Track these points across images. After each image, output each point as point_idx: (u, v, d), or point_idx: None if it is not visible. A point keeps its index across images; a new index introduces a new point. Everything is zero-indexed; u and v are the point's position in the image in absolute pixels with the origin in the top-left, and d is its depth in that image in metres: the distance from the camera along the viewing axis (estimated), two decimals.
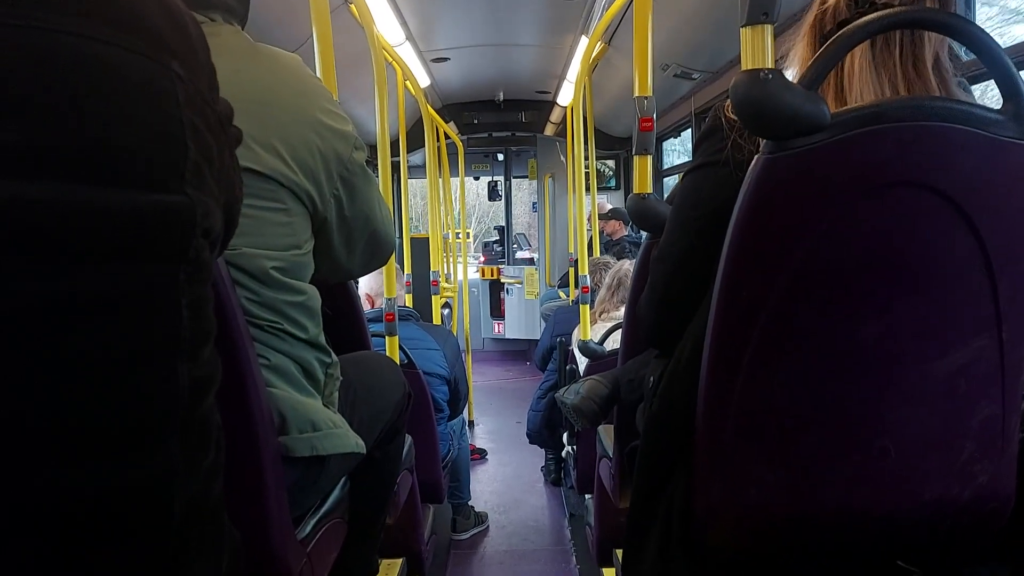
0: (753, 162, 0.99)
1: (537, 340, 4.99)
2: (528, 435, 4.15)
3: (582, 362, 3.03)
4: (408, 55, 4.81)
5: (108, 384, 0.58)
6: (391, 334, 2.49)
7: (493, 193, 8.71)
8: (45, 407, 0.55)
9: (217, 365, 0.72)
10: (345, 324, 1.74)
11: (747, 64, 1.01)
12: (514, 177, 8.64)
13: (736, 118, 1.07)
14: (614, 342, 2.95)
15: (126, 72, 0.57)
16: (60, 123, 0.53)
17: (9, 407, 0.54)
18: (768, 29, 1.01)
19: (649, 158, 2.13)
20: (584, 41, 4.54)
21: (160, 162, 0.59)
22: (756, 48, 1.01)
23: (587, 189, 4.60)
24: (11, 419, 0.54)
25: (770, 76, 0.97)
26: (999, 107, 1.00)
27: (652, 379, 1.29)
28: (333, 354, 1.30)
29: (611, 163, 7.55)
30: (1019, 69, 1.04)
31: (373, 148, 2.69)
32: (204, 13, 1.14)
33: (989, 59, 1.01)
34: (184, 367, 0.64)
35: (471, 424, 5.50)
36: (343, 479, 1.48)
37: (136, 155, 0.57)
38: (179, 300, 0.62)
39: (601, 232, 5.61)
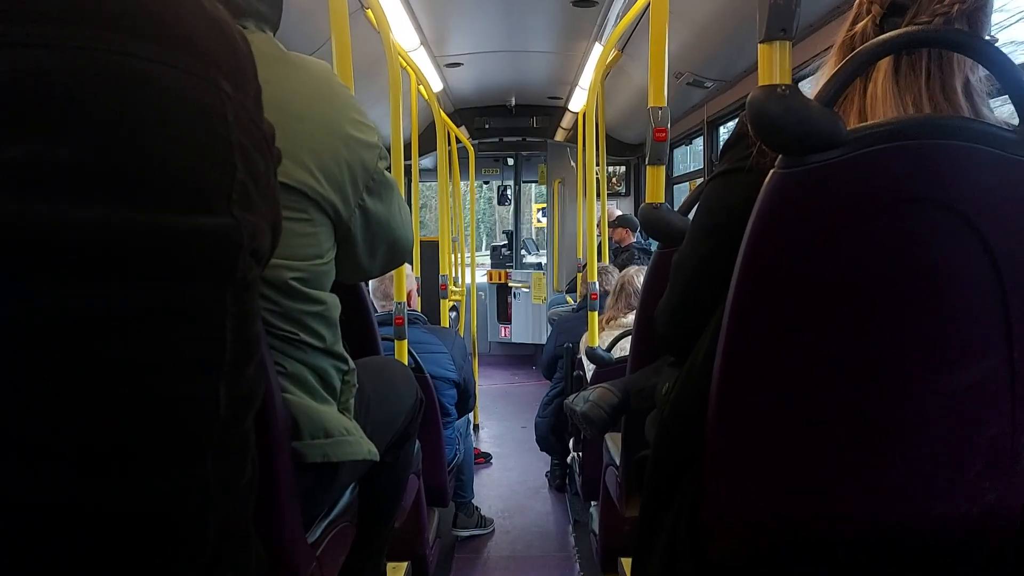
0: (768, 176, 0.99)
1: (543, 345, 5.00)
2: (537, 442, 4.17)
3: (589, 369, 3.04)
4: (422, 60, 4.83)
5: (147, 401, 0.58)
6: (400, 338, 2.50)
7: (502, 198, 8.72)
8: (81, 421, 0.56)
9: (259, 383, 0.72)
10: (356, 328, 1.74)
11: (764, 79, 1.02)
12: (524, 182, 8.65)
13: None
14: (622, 350, 2.95)
15: (174, 91, 0.57)
16: (107, 143, 0.53)
17: (46, 420, 0.54)
18: (786, 45, 1.01)
19: (662, 168, 2.13)
20: (598, 48, 4.55)
21: (207, 182, 0.59)
22: (774, 63, 1.02)
23: (597, 195, 4.60)
24: (48, 431, 0.55)
25: (787, 92, 0.97)
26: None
27: (666, 386, 1.30)
28: (351, 361, 1.31)
29: (621, 169, 7.55)
30: None
31: (387, 151, 2.70)
32: (238, 21, 1.12)
33: (1006, 79, 1.02)
34: (224, 387, 0.63)
35: (476, 428, 5.50)
36: (353, 484, 1.49)
37: (183, 176, 0.57)
38: (223, 320, 0.62)
39: (609, 239, 5.62)
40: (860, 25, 1.11)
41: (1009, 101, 1.03)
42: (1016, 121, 1.01)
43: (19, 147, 0.50)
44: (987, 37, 1.08)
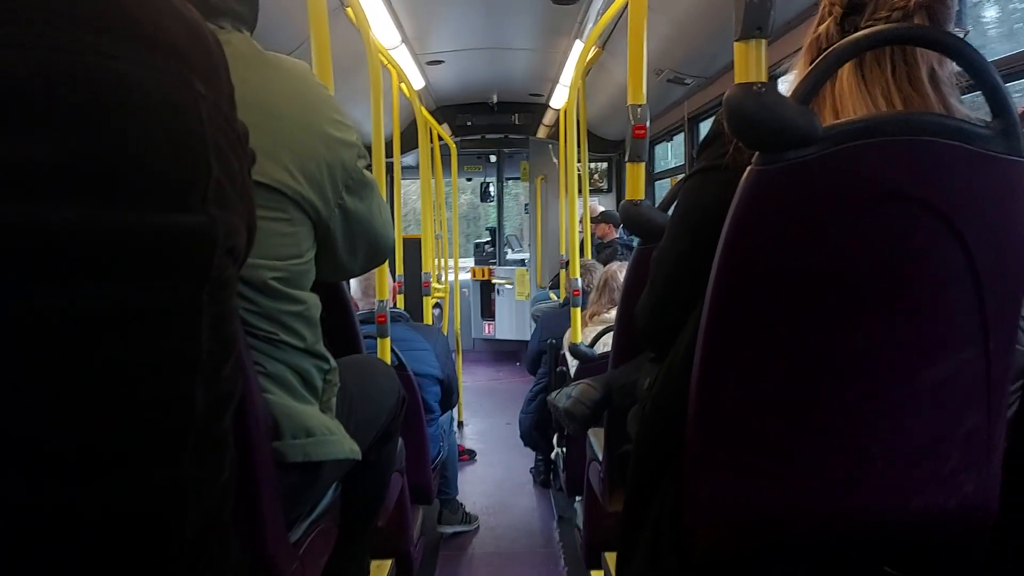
0: (744, 174, 1.00)
1: (527, 341, 5.01)
2: (521, 437, 4.17)
3: (572, 365, 3.04)
4: (403, 58, 4.82)
5: (123, 399, 0.58)
6: (383, 336, 2.50)
7: (485, 194, 8.72)
8: (57, 421, 0.55)
9: (238, 381, 0.72)
10: (337, 327, 1.74)
11: (740, 77, 1.02)
12: (506, 179, 8.66)
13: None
14: (604, 345, 2.96)
15: (149, 90, 0.57)
16: (83, 143, 0.53)
17: (23, 420, 0.54)
18: (762, 43, 1.02)
19: (642, 165, 2.14)
20: (579, 45, 4.56)
21: (182, 181, 0.59)
22: (750, 62, 1.02)
23: (579, 191, 4.61)
24: (25, 432, 0.54)
25: (762, 89, 0.98)
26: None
27: (648, 381, 1.30)
28: (332, 360, 1.30)
29: (602, 166, 7.57)
30: (1007, 82, 1.06)
31: (368, 149, 2.70)
32: (214, 21, 1.13)
33: (978, 74, 1.03)
34: (202, 386, 0.63)
35: (460, 425, 5.50)
36: (335, 483, 1.48)
37: (159, 175, 0.57)
38: (199, 319, 0.62)
39: (592, 235, 5.63)
40: (823, 26, 1.13)
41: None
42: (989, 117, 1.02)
43: None
44: (956, 28, 1.09)
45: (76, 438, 0.57)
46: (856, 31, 1.05)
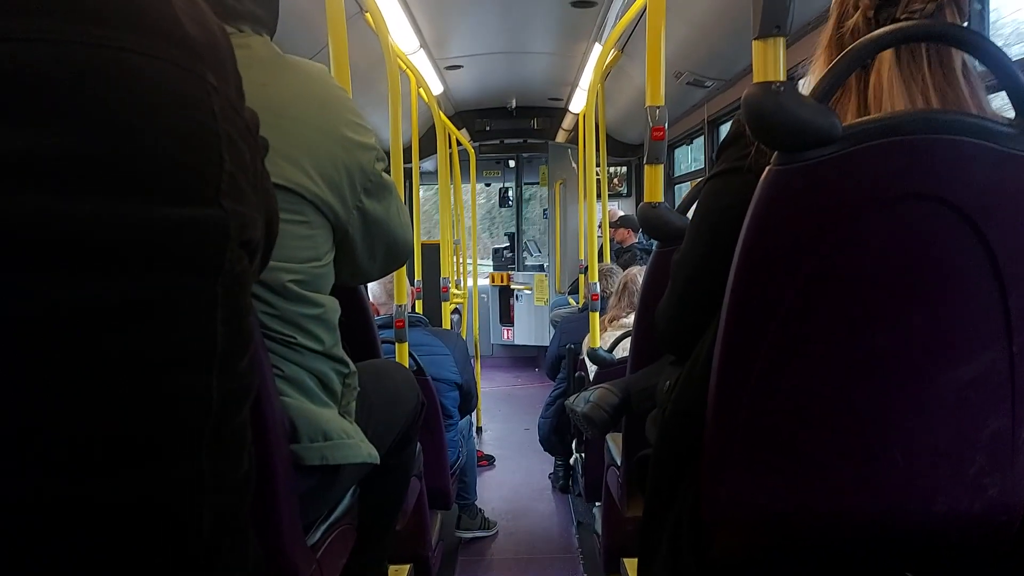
0: (764, 174, 0.99)
1: (546, 346, 5.00)
2: (540, 442, 4.17)
3: (591, 369, 3.04)
4: (422, 63, 4.84)
5: (137, 393, 0.58)
6: (401, 341, 2.50)
7: (504, 200, 8.72)
8: (72, 415, 0.55)
9: (254, 376, 0.71)
10: (356, 332, 1.74)
11: (759, 76, 1.02)
12: (525, 184, 8.66)
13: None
14: (623, 350, 2.95)
15: (162, 84, 0.56)
16: (96, 136, 0.53)
17: (33, 414, 0.54)
18: (780, 42, 1.01)
19: (660, 167, 2.13)
20: (597, 48, 4.56)
21: (196, 175, 0.59)
22: (768, 60, 1.02)
23: (598, 196, 4.60)
24: (35, 426, 0.54)
25: (782, 88, 0.97)
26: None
27: (668, 383, 1.30)
28: (352, 364, 1.30)
29: (622, 170, 7.56)
30: None
31: (386, 154, 2.71)
32: (233, 24, 1.13)
33: (1002, 73, 1.02)
34: (216, 380, 0.63)
35: (479, 430, 5.50)
36: (353, 486, 1.48)
37: (171, 169, 0.57)
38: (213, 312, 0.62)
39: (611, 239, 5.63)
40: (850, 22, 1.11)
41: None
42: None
43: (7, 141, 0.50)
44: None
45: (88, 432, 0.56)
46: (893, 23, 1.03)
